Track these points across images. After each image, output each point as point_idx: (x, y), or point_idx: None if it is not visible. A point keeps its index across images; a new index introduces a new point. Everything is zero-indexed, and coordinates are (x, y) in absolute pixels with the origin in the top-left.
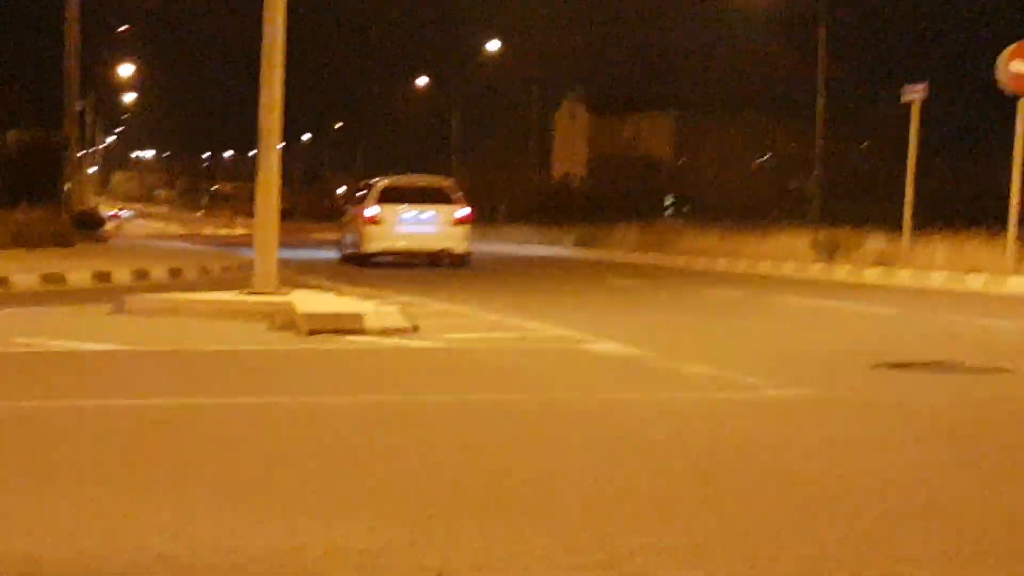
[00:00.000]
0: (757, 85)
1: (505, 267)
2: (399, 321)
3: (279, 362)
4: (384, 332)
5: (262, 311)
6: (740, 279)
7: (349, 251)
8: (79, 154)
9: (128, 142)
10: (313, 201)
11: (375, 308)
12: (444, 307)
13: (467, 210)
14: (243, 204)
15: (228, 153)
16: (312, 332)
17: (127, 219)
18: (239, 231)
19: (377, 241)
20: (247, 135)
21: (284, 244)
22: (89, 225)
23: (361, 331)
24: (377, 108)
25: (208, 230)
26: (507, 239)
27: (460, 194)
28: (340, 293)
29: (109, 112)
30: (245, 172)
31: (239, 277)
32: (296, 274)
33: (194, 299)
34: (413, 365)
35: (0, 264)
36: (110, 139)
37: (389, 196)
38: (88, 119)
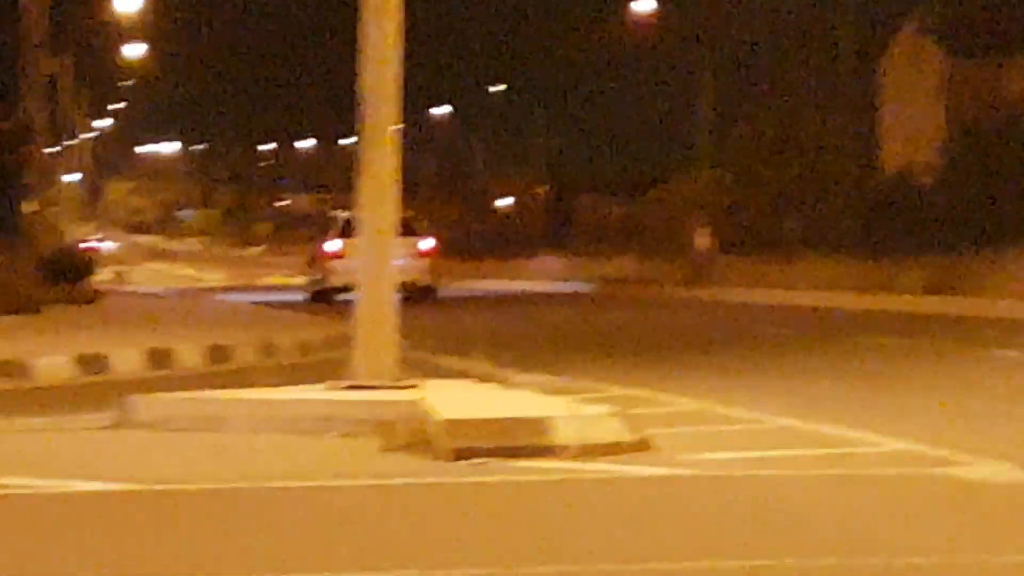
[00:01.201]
0: None
1: (789, 328)
2: (615, 431)
3: (402, 510)
4: (588, 451)
5: (372, 418)
6: None
7: (316, 288)
8: (49, 150)
9: (134, 128)
10: (455, 216)
11: (570, 409)
12: (690, 406)
13: (432, 242)
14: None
15: (306, 143)
16: (461, 455)
17: (109, 254)
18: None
19: (342, 276)
20: (338, 112)
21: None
22: (68, 274)
23: (548, 450)
24: (567, 57)
25: (272, 277)
26: (803, 275)
27: (424, 227)
28: (508, 383)
29: (100, 79)
30: (335, 176)
31: (328, 360)
32: (431, 352)
33: (251, 399)
34: (646, 509)
35: None
36: (103, 124)
37: (353, 229)
38: (63, 91)
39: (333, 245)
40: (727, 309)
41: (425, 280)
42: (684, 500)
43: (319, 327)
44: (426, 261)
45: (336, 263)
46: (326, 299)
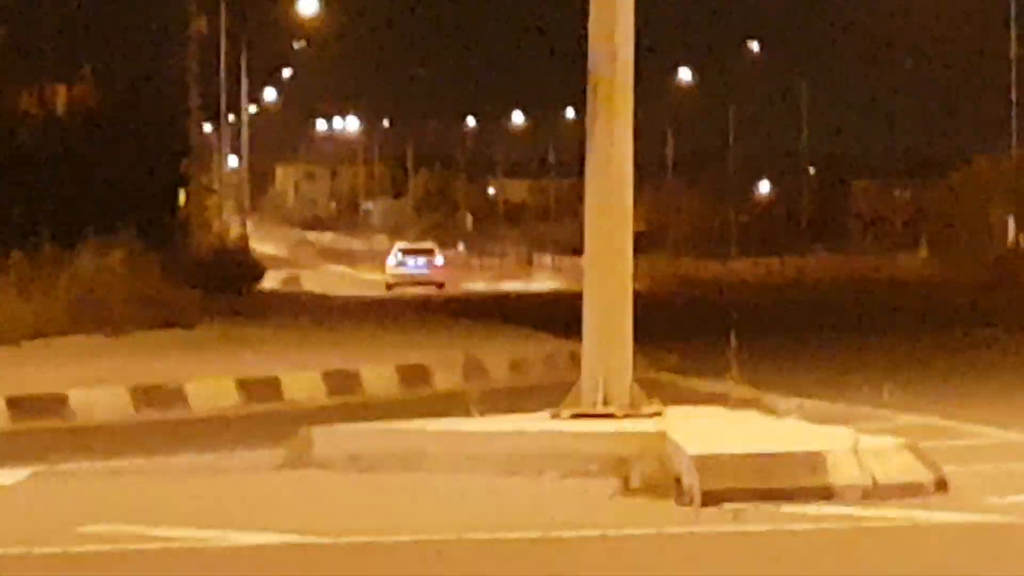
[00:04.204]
0: None
1: None
2: (908, 469)
3: (643, 568)
4: (875, 493)
5: (604, 454)
6: None
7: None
8: (204, 130)
9: (305, 99)
10: (700, 205)
11: (852, 442)
12: (998, 437)
13: (442, 259)
14: (549, 224)
15: (515, 117)
16: (715, 499)
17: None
18: (541, 284)
19: (393, 277)
20: (557, 78)
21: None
22: (229, 279)
23: (825, 492)
24: (836, 7)
25: (477, 281)
26: None
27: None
28: (772, 410)
29: (263, 40)
30: (555, 153)
31: (549, 382)
32: (676, 372)
33: (456, 432)
34: (953, 567)
35: (51, 363)
36: (267, 97)
37: (403, 251)
38: (221, 49)
39: (392, 259)
40: None
41: (438, 280)
42: (998, 554)
43: (536, 342)
44: (440, 269)
45: (392, 268)
46: (390, 289)
